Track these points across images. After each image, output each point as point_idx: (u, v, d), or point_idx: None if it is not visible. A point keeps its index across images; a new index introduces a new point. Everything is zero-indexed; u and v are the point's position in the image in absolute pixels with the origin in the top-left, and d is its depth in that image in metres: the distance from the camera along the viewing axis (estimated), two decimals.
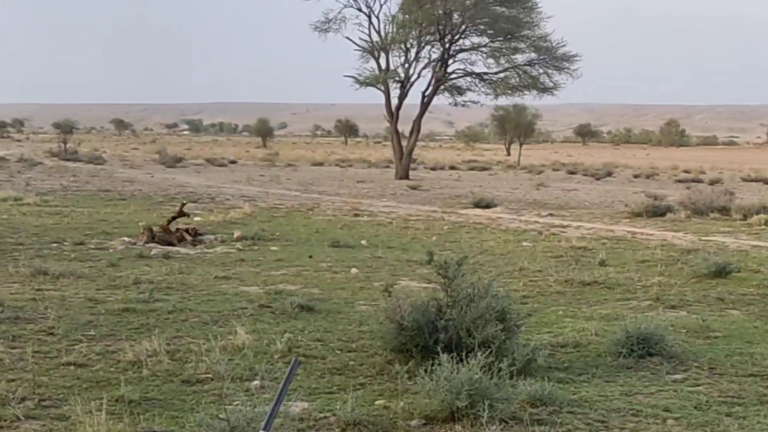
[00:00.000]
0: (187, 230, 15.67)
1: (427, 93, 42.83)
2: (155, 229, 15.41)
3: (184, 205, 16.67)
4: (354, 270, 12.56)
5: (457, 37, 42.36)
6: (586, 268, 12.95)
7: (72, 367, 6.73)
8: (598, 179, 44.34)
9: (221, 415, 4.86)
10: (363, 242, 16.06)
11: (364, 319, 8.82)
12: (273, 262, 13.32)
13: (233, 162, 54.80)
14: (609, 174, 47.68)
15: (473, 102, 44.03)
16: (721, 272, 12.01)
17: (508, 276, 12.32)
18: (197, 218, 19.10)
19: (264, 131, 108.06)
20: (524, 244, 16.57)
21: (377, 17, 42.87)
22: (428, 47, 42.65)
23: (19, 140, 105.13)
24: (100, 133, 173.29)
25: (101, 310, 9.06)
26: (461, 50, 42.84)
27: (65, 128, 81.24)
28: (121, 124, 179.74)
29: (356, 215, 21.70)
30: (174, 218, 15.85)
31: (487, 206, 24.61)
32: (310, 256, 14.05)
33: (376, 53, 42.40)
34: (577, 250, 15.49)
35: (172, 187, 30.59)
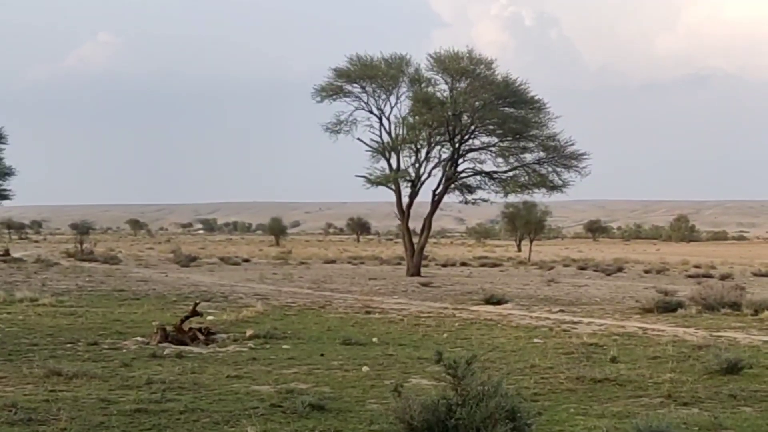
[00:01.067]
0: (200, 329, 15.62)
1: (437, 191, 43.10)
2: (169, 328, 15.37)
3: (197, 304, 16.65)
4: (365, 368, 12.50)
5: (466, 137, 42.78)
6: (597, 365, 12.84)
7: None
8: (608, 275, 44.05)
9: None
10: (374, 340, 15.97)
11: (374, 419, 8.74)
12: (285, 361, 13.27)
13: (247, 260, 55.00)
14: (619, 269, 47.60)
15: (483, 200, 44.42)
16: (732, 368, 11.90)
17: (519, 373, 12.22)
18: (210, 317, 19.08)
19: (277, 230, 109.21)
20: (535, 340, 16.47)
21: (388, 119, 43.23)
22: (438, 147, 43.16)
23: (36, 241, 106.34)
24: (116, 234, 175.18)
25: (113, 410, 9.00)
26: (471, 150, 43.27)
27: (82, 229, 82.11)
28: (136, 224, 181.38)
29: (368, 312, 21.69)
30: (187, 318, 15.81)
31: (498, 302, 24.52)
32: (322, 355, 13.99)
33: (387, 153, 42.87)
34: (588, 346, 15.39)
35: (186, 287, 30.64)
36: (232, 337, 15.83)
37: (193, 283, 32.69)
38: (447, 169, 42.75)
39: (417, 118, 42.42)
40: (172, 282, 33.30)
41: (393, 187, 42.76)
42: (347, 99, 43.69)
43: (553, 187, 42.79)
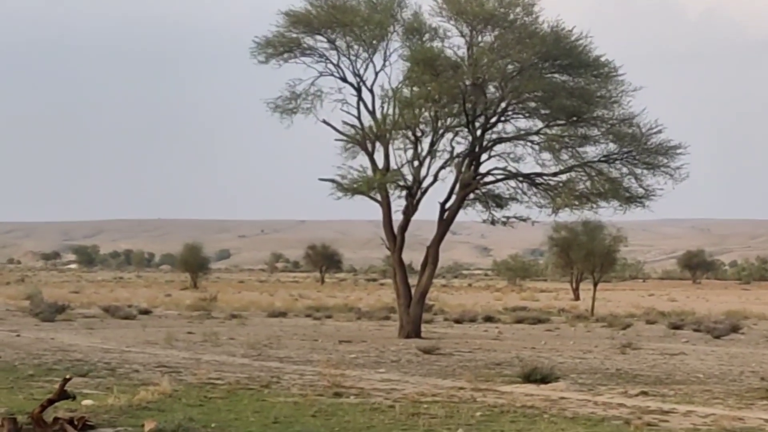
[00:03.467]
0: (71, 421, 15.58)
1: (448, 205, 43.34)
2: (21, 419, 15.24)
3: (67, 381, 16.44)
4: None
5: (494, 119, 43.07)
6: None
7: None
8: (717, 337, 44.24)
9: None
10: None
11: None
12: None
13: (146, 312, 54.90)
14: (735, 329, 47.43)
15: (520, 218, 44.43)
16: None
17: None
18: (88, 401, 19.14)
19: (194, 264, 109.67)
20: None
21: (370, 90, 43.60)
22: (450, 135, 43.44)
23: None
24: None
25: None
26: (500, 139, 43.56)
27: None
28: None
29: (338, 395, 21.85)
30: (51, 402, 15.75)
31: (544, 380, 24.70)
32: None
33: (369, 144, 43.23)
34: None
35: (49, 353, 30.58)
36: None
37: (60, 348, 32.56)
38: (463, 169, 42.92)
39: (416, 89, 42.58)
40: (28, 345, 33.14)
41: (378, 197, 43.04)
42: (307, 60, 44.14)
43: (631, 199, 43.03)
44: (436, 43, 42.96)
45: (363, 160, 43.51)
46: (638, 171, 42.92)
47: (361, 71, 43.65)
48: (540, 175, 43.78)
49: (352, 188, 42.56)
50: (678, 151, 42.52)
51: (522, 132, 43.44)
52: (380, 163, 42.95)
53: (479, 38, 42.34)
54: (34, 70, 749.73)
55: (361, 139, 43.30)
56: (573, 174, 43.54)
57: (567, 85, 42.61)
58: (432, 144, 43.20)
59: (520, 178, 43.89)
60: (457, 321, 53.53)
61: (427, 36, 42.99)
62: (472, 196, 44.01)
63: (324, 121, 43.85)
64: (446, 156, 43.40)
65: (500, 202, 44.43)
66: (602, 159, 43.21)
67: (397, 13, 43.16)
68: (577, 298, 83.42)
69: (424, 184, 43.26)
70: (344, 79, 43.79)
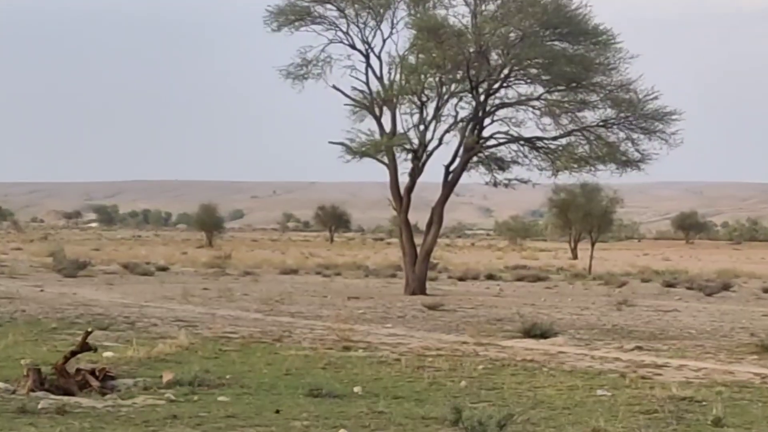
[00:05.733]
0: (92, 372, 15.65)
1: (452, 168, 43.37)
2: (45, 370, 15.32)
3: (88, 333, 16.46)
4: None
5: (496, 85, 42.97)
6: (693, 430, 12.93)
7: None
8: (709, 295, 44.17)
9: None
10: (356, 389, 16.12)
11: None
12: (221, 421, 13.32)
13: (164, 269, 55.17)
14: (726, 287, 47.50)
15: (521, 180, 44.60)
16: None
17: None
18: (109, 353, 19.27)
19: (209, 223, 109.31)
20: (599, 392, 16.64)
21: (378, 57, 43.47)
22: (454, 101, 43.40)
23: None
24: None
25: None
26: (503, 105, 43.45)
27: None
28: None
29: (346, 348, 21.94)
30: (74, 354, 15.81)
31: (544, 335, 24.78)
32: (277, 411, 14.03)
33: (376, 109, 43.22)
34: (679, 402, 15.53)
35: (71, 307, 30.65)
36: (141, 384, 15.90)
37: (82, 302, 32.62)
38: (467, 133, 42.91)
39: (421, 56, 42.58)
40: (51, 300, 33.18)
41: (385, 159, 43.06)
42: (317, 27, 43.97)
43: (627, 163, 42.99)
44: (441, 11, 42.81)
45: (371, 123, 43.43)
46: (635, 136, 42.85)
47: (370, 39, 43.49)
48: (540, 139, 43.67)
49: (360, 151, 42.74)
50: (673, 117, 42.36)
51: (523, 97, 43.18)
52: (387, 127, 42.89)
53: (482, 7, 42.09)
54: (55, 36, 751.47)
55: (369, 104, 43.17)
56: (572, 138, 43.38)
57: (567, 52, 42.30)
58: (437, 109, 43.12)
59: (522, 142, 43.75)
60: (461, 279, 53.51)
61: (431, 4, 42.83)
62: (475, 159, 43.91)
63: (334, 87, 43.64)
64: (451, 120, 43.32)
65: (502, 164, 44.30)
66: (600, 124, 43.06)
67: None
68: (575, 257, 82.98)
69: (430, 148, 43.26)
70: (353, 47, 43.63)
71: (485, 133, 43.67)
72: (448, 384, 17.31)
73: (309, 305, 34.11)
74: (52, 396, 14.46)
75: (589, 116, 43.14)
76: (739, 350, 22.93)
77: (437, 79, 42.88)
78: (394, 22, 43.18)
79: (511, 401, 15.22)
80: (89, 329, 17.16)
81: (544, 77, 42.87)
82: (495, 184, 44.81)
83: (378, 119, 43.17)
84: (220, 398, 15.04)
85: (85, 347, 16.03)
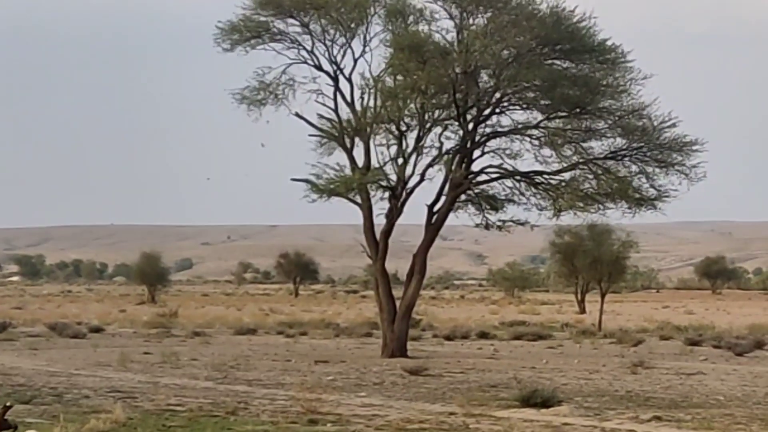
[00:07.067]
0: None
1: (437, 208, 42.22)
2: None
3: (7, 408, 17.32)
4: None
5: (488, 111, 41.93)
6: None
7: None
8: (739, 354, 43.49)
9: None
10: None
11: None
12: None
13: (98, 330, 54.66)
14: (759, 345, 46.74)
15: (518, 222, 43.49)
16: None
17: None
18: (32, 431, 19.30)
19: (152, 275, 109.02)
20: None
21: (349, 80, 42.29)
22: (438, 129, 42.28)
23: None
24: None
25: None
26: (495, 134, 42.38)
27: None
28: None
29: (313, 422, 21.96)
30: None
31: (545, 404, 24.54)
32: None
33: (347, 140, 42.19)
34: None
35: None
36: None
37: (1, 371, 32.25)
38: (453, 168, 41.66)
39: (401, 78, 41.57)
40: None
41: (358, 199, 42.10)
42: (277, 46, 42.96)
43: (641, 200, 41.86)
44: (423, 27, 41.56)
45: (340, 157, 42.56)
46: (649, 169, 41.67)
47: (338, 58, 42.55)
48: (540, 173, 42.62)
49: (328, 189, 41.42)
50: (694, 147, 41.06)
51: (519, 125, 42.30)
52: (360, 161, 41.95)
53: (470, 21, 41.01)
54: None
55: (339, 134, 42.32)
56: (577, 172, 42.35)
57: (569, 72, 41.28)
58: (418, 139, 41.99)
59: (518, 177, 42.78)
60: (448, 338, 52.69)
61: (411, 19, 41.56)
62: (463, 197, 42.96)
63: (297, 114, 42.79)
64: (434, 153, 42.21)
65: (495, 204, 43.32)
66: (609, 155, 41.98)
67: None
68: (582, 311, 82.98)
69: (410, 184, 42.11)
70: (319, 67, 42.70)
71: (475, 167, 42.70)
72: None
73: (269, 371, 33.79)
74: None
75: (597, 147, 42.20)
76: None
77: (419, 104, 41.93)
78: (368, 39, 42.23)
79: None
80: (8, 403, 17.85)
81: (542, 102, 41.75)
82: (487, 227, 43.71)
83: (349, 152, 42.19)
84: None
85: (3, 425, 16.76)
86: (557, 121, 42.02)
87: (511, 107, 42.30)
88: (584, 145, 41.95)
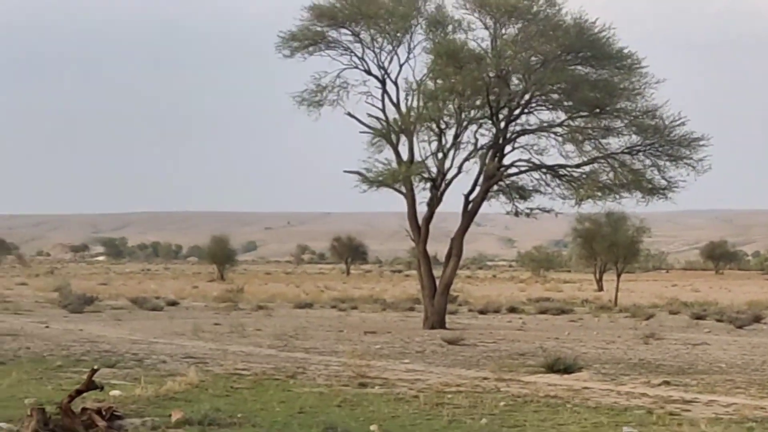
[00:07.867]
0: (99, 411, 15.61)
1: (472, 197, 43.41)
2: (50, 409, 15.29)
3: (95, 371, 16.31)
4: None
5: (517, 111, 43.12)
6: None
7: None
8: (739, 327, 44.29)
9: None
10: (373, 428, 16.23)
11: None
12: None
13: (173, 304, 55.38)
14: (757, 319, 47.63)
15: (544, 210, 44.61)
16: None
17: None
18: (115, 392, 19.28)
19: (221, 256, 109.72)
20: (625, 429, 16.67)
21: (395, 83, 43.58)
22: (474, 127, 43.50)
23: None
24: None
25: None
26: (524, 131, 43.57)
27: None
28: (1, 246, 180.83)
29: (363, 385, 22.02)
30: (79, 392, 15.74)
31: (568, 370, 24.85)
32: None
33: (393, 137, 43.35)
34: None
35: (77, 344, 30.70)
36: (149, 424, 15.95)
37: (89, 339, 32.71)
38: (487, 161, 42.97)
39: (440, 82, 42.65)
40: (57, 337, 33.22)
41: (403, 189, 43.12)
42: (332, 53, 44.12)
43: (653, 191, 43.08)
44: (460, 36, 42.75)
45: (388, 153, 43.49)
46: (661, 163, 42.83)
47: (386, 64, 43.51)
48: (563, 166, 43.73)
49: (377, 180, 42.60)
50: (701, 143, 42.35)
51: (545, 124, 43.35)
52: (405, 156, 42.95)
53: (503, 30, 42.10)
54: (61, 63, 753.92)
55: (386, 132, 43.23)
56: (596, 165, 43.37)
57: (590, 77, 42.45)
58: (456, 136, 43.17)
59: (544, 170, 43.84)
60: (482, 312, 53.56)
61: (450, 28, 42.81)
62: (495, 187, 43.99)
63: (349, 114, 43.75)
64: (470, 148, 43.37)
65: (524, 193, 44.42)
66: (625, 151, 43.01)
67: (420, 6, 43.02)
68: (600, 288, 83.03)
69: (449, 176, 43.31)
70: (369, 72, 43.71)
71: (506, 161, 43.79)
72: (469, 422, 17.28)
73: (324, 340, 34.19)
74: None
75: (614, 143, 43.21)
76: None
77: (456, 105, 42.91)
78: (411, 46, 43.28)
79: None
80: (95, 367, 17.10)
81: (566, 103, 42.96)
82: (516, 214, 44.83)
83: (395, 147, 43.21)
84: None
85: (91, 386, 15.92)
86: (579, 120, 42.92)
87: (538, 108, 43.19)
88: (603, 141, 42.93)
